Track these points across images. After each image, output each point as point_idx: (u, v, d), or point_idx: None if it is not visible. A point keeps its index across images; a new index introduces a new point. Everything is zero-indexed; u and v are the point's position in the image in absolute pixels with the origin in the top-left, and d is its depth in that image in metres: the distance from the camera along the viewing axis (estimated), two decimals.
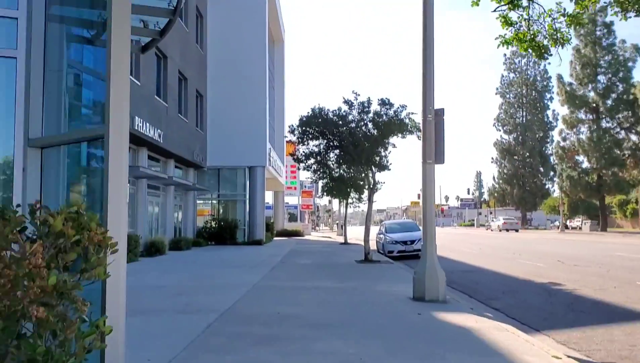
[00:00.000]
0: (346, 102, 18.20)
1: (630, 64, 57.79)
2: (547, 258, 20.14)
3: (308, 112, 18.12)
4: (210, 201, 33.75)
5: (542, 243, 31.92)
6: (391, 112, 17.97)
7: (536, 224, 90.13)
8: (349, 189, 32.62)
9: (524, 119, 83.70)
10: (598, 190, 58.54)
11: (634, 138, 57.05)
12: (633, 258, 19.63)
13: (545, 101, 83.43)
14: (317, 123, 17.88)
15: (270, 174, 36.89)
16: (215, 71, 31.82)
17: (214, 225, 31.54)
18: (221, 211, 33.88)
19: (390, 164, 18.26)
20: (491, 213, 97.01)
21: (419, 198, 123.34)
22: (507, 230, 65.37)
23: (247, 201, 32.24)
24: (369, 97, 17.97)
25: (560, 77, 61.06)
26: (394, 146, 18.68)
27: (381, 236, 24.32)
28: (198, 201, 33.52)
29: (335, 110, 18.02)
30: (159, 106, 22.40)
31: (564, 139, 62.16)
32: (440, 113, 9.94)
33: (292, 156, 18.63)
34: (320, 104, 18.01)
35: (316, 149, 18.86)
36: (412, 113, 18.07)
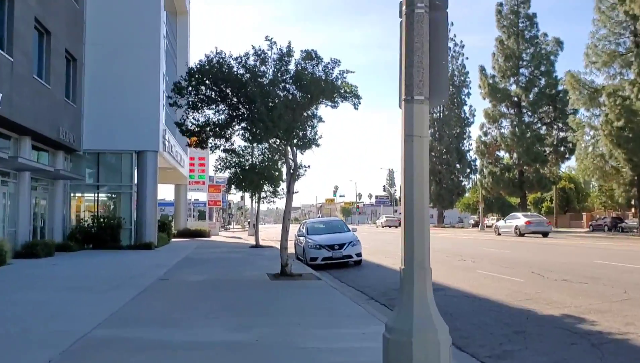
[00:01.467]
0: (257, 53, 12.82)
1: (552, 57, 56.39)
2: (516, 268, 15.84)
3: (201, 61, 12.53)
4: (93, 195, 27.18)
5: (485, 245, 28.08)
6: (319, 68, 12.84)
7: (449, 222, 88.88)
8: (262, 181, 27.45)
9: (441, 114, 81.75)
10: (520, 187, 56.75)
11: (555, 133, 55.68)
12: (628, 268, 15.72)
13: (463, 97, 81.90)
14: (214, 78, 12.35)
15: (167, 163, 30.82)
16: (96, 34, 25.43)
17: (90, 224, 25.18)
18: (103, 207, 27.50)
19: (320, 138, 13.08)
20: None
21: (334, 194, 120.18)
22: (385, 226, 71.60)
23: (135, 194, 26.12)
24: (289, 45, 12.71)
25: (482, 69, 58.82)
26: (321, 119, 13.61)
27: (301, 238, 19.20)
28: (77, 195, 26.99)
29: (240, 57, 12.51)
30: None
31: (485, 134, 60.01)
32: (441, 3, 4.98)
33: (180, 128, 13.12)
34: (219, 49, 12.31)
35: (214, 119, 13.34)
36: (348, 71, 13.05)
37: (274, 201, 27.04)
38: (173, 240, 34.43)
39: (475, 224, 79.62)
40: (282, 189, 26.77)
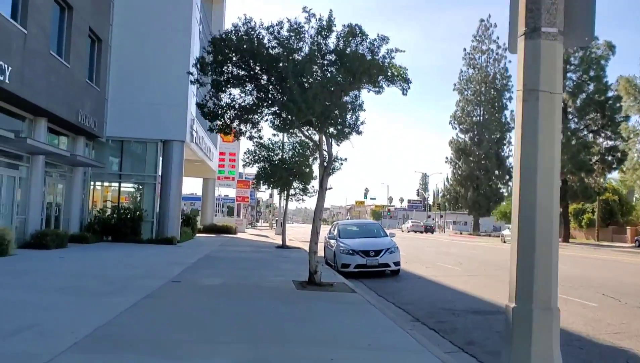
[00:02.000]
0: (293, 26, 11.00)
1: (602, 62, 53.25)
2: (579, 287, 13.70)
3: (227, 31, 10.75)
4: (116, 185, 25.84)
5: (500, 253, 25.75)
6: (364, 46, 10.97)
7: (484, 230, 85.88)
8: (291, 178, 25.73)
9: (482, 118, 79.01)
10: (563, 197, 53.74)
11: (602, 141, 52.58)
12: None
13: (504, 101, 79.05)
14: (241, 52, 10.57)
15: (194, 155, 29.37)
16: (124, 15, 24.12)
17: (110, 215, 23.83)
18: (125, 197, 26.16)
19: (362, 124, 11.14)
20: (442, 216, 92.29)
21: (365, 196, 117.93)
22: (410, 231, 72.93)
23: (159, 185, 24.69)
24: (330, 16, 10.84)
25: None
26: (362, 107, 11.73)
27: (332, 242, 17.32)
28: (98, 184, 25.75)
29: (272, 27, 10.66)
30: (8, 28, 14.68)
31: None
32: None
33: (201, 110, 11.38)
34: (248, 16, 10.48)
35: (240, 101, 11.59)
36: (397, 50, 11.15)
37: (303, 200, 25.30)
38: (198, 235, 33.04)
39: None
40: (313, 187, 25.08)
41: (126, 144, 24.85)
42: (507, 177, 78.40)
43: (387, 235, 17.30)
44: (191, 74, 11.34)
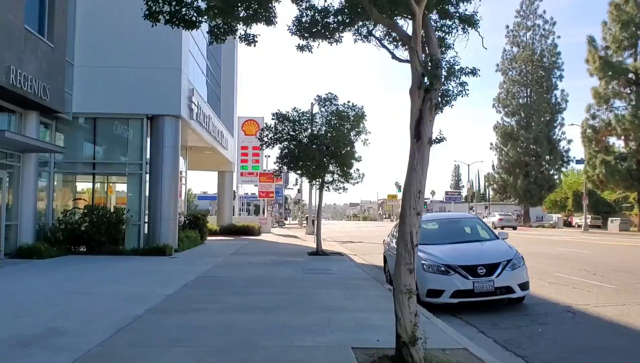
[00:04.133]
0: None
1: None
2: None
3: None
4: (90, 176, 19.39)
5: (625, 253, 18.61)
6: None
7: (534, 219, 77.95)
8: (325, 159, 19.07)
9: (529, 99, 71.31)
10: (639, 179, 45.90)
11: None
12: None
13: (554, 80, 71.17)
14: None
15: (199, 139, 22.86)
16: None
17: (80, 219, 17.41)
18: (103, 193, 19.79)
19: None
20: (486, 207, 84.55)
21: (399, 189, 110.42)
22: (503, 227, 58.86)
23: (146, 176, 18.25)
24: None
25: (592, 40, 48.09)
26: None
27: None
28: (63, 177, 19.52)
29: None
30: None
31: (594, 117, 49.26)
32: None
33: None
34: None
35: None
36: None
37: (343, 189, 18.39)
38: (211, 239, 26.63)
39: (568, 224, 68.68)
40: (358, 170, 18.34)
41: (101, 123, 18.41)
42: (560, 162, 70.64)
43: (496, 237, 10.40)
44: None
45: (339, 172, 17.95)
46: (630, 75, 46.18)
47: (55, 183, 18.33)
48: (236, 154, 40.97)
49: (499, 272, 8.76)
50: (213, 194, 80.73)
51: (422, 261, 9.24)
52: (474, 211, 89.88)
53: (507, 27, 73.39)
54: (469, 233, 10.67)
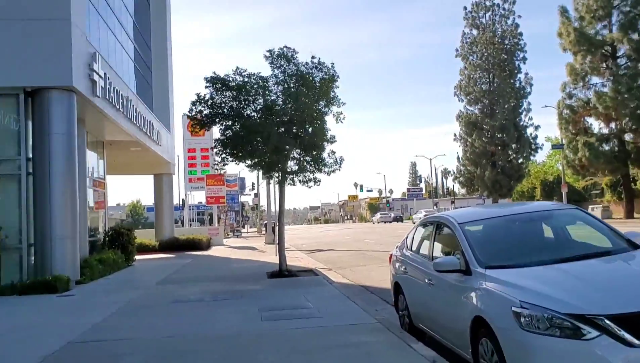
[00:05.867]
0: None
1: None
2: None
3: None
4: None
5: None
6: None
7: None
8: (288, 140, 13.41)
9: (491, 85, 67.93)
10: (625, 161, 42.41)
11: None
12: None
13: (517, 62, 67.91)
14: None
15: (120, 130, 17.25)
16: None
17: None
18: None
19: None
20: (452, 202, 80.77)
21: (361, 189, 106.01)
22: None
23: (27, 179, 12.62)
24: None
25: (564, 11, 44.44)
26: None
27: (449, 279, 5.30)
28: None
29: None
30: None
31: (570, 96, 45.57)
32: None
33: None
34: None
35: None
36: None
37: (314, 180, 13.06)
38: (144, 257, 21.10)
39: None
40: (332, 154, 13.22)
41: None
42: (529, 150, 67.37)
43: (628, 241, 5.34)
44: None
45: (306, 158, 12.70)
46: (607, 48, 42.74)
47: None
48: (182, 156, 35.41)
49: None
50: (176, 205, 73.90)
51: (514, 308, 4.17)
52: (437, 207, 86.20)
53: (465, 8, 69.77)
54: (576, 240, 5.60)
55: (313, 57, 12.72)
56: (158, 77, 28.27)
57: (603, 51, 42.88)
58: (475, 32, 68.99)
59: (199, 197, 60.47)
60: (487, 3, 68.71)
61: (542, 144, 62.88)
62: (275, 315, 8.05)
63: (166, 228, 28.49)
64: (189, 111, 13.61)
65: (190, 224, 52.75)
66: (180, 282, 13.11)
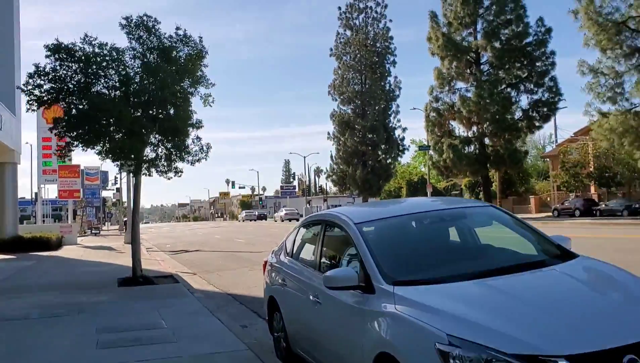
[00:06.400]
0: None
1: None
2: None
3: None
4: None
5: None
6: None
7: None
8: (143, 123, 11.14)
9: (363, 86, 69.27)
10: (485, 164, 44.65)
11: (526, 96, 44.13)
12: None
13: (387, 66, 69.87)
14: None
15: None
16: None
17: None
18: None
19: None
20: (325, 200, 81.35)
21: (233, 186, 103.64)
22: (290, 220, 63.70)
23: None
24: None
25: (434, 16, 45.91)
26: None
27: (346, 300, 3.95)
28: None
29: None
30: None
31: (437, 100, 47.17)
32: None
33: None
34: None
35: None
36: None
37: (175, 170, 11.26)
38: None
39: None
40: (197, 140, 11.54)
41: None
42: (397, 151, 69.50)
43: (557, 246, 4.34)
44: None
45: (166, 144, 10.89)
46: (472, 54, 44.74)
47: None
48: (36, 146, 31.48)
49: None
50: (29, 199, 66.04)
51: (439, 345, 2.95)
52: (310, 205, 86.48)
53: (340, 8, 70.52)
54: (497, 247, 4.52)
55: (178, 28, 10.97)
56: (1, 55, 24.54)
57: (468, 57, 44.81)
58: (349, 33, 69.83)
59: (56, 191, 55.15)
60: (361, 5, 69.79)
61: (409, 146, 65.06)
62: (116, 339, 6.31)
63: (8, 224, 24.81)
64: (24, 85, 11.19)
65: (44, 221, 47.70)
66: (5, 292, 10.70)
